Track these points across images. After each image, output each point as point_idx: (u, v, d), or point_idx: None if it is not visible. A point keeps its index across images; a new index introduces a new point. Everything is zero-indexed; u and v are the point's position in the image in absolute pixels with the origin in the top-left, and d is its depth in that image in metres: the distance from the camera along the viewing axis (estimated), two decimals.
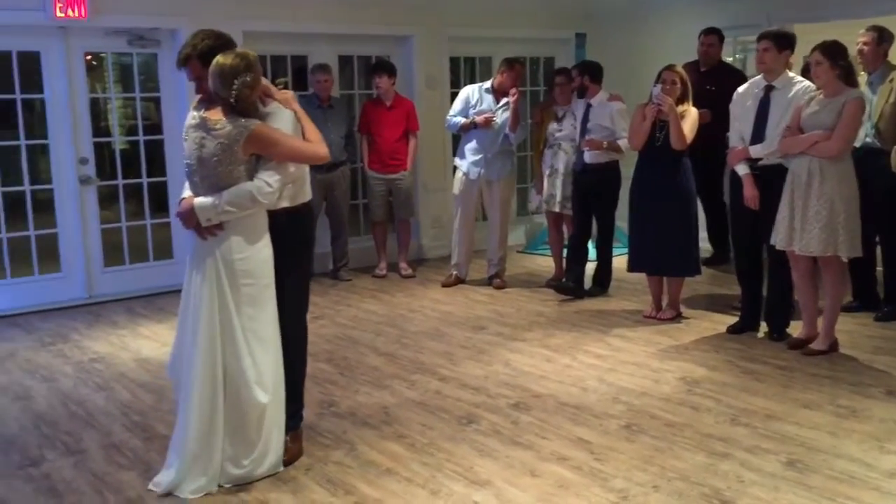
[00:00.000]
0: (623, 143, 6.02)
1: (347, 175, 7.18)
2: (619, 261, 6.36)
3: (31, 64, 6.26)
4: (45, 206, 6.45)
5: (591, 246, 6.53)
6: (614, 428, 3.90)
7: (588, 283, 6.47)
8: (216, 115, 3.28)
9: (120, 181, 6.75)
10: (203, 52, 3.32)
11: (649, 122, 5.42)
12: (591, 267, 6.52)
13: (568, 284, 6.37)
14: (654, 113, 5.39)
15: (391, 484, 3.41)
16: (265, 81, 3.41)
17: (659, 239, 5.51)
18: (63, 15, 6.03)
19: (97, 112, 6.72)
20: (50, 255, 6.48)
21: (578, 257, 6.40)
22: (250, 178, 3.29)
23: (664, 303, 5.76)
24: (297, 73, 7.41)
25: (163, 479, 3.38)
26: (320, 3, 7.15)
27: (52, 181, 6.41)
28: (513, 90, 6.50)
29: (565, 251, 6.62)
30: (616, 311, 6.01)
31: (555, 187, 6.53)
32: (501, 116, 6.58)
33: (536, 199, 6.81)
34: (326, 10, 7.18)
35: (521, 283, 6.93)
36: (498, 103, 6.61)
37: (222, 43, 3.37)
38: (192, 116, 3.36)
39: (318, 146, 3.46)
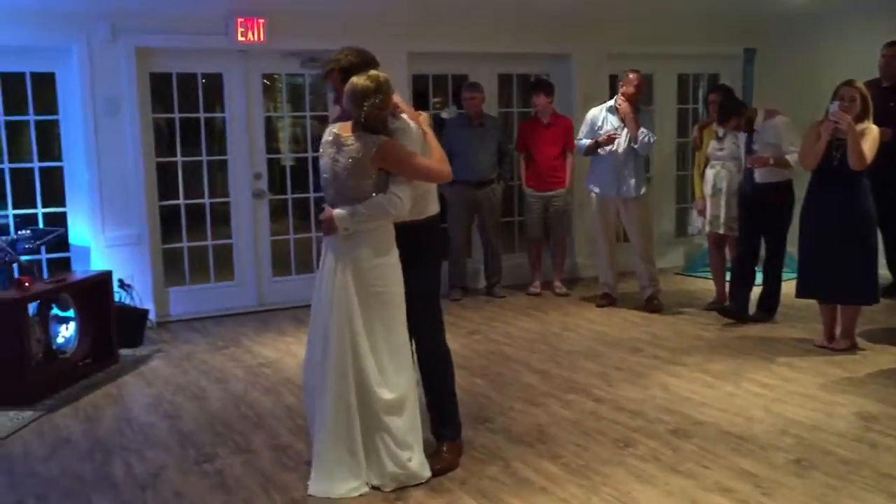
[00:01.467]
0: (792, 157, 5.72)
1: (498, 192, 7.23)
2: (787, 286, 6.04)
3: (212, 85, 6.73)
4: (221, 218, 6.89)
5: (756, 269, 6.25)
6: (782, 462, 3.70)
7: (752, 308, 6.19)
8: (347, 132, 3.46)
9: (289, 195, 7.12)
10: (344, 67, 3.51)
11: (825, 141, 5.13)
12: (755, 291, 6.23)
13: (731, 309, 6.12)
14: (829, 131, 5.10)
15: (546, 503, 3.38)
16: (397, 99, 3.54)
17: (833, 264, 5.19)
18: (244, 39, 6.46)
19: (269, 130, 7.12)
20: (225, 264, 6.91)
21: (743, 280, 6.13)
22: (378, 191, 3.43)
23: (837, 332, 5.42)
24: (457, 93, 7.55)
25: (313, 484, 3.50)
26: (482, 24, 7.26)
27: (229, 195, 6.84)
28: (620, 101, 6.41)
29: (728, 274, 6.37)
30: (783, 338, 5.71)
31: (719, 208, 6.31)
32: (625, 131, 6.47)
33: (699, 221, 6.59)
34: (488, 31, 7.29)
35: (680, 306, 6.72)
36: (622, 120, 6.52)
37: (364, 61, 3.53)
38: (328, 133, 3.54)
39: (441, 166, 3.55)
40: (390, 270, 3.50)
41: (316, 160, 7.05)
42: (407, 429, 3.50)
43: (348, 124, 3.48)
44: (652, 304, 6.64)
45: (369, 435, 3.47)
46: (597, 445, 3.94)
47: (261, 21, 6.48)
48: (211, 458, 3.93)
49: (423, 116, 3.66)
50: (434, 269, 3.78)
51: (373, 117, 3.40)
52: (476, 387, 4.85)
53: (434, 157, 3.56)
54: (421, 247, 3.63)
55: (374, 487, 3.49)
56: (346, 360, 3.42)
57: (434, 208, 3.71)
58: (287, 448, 4.03)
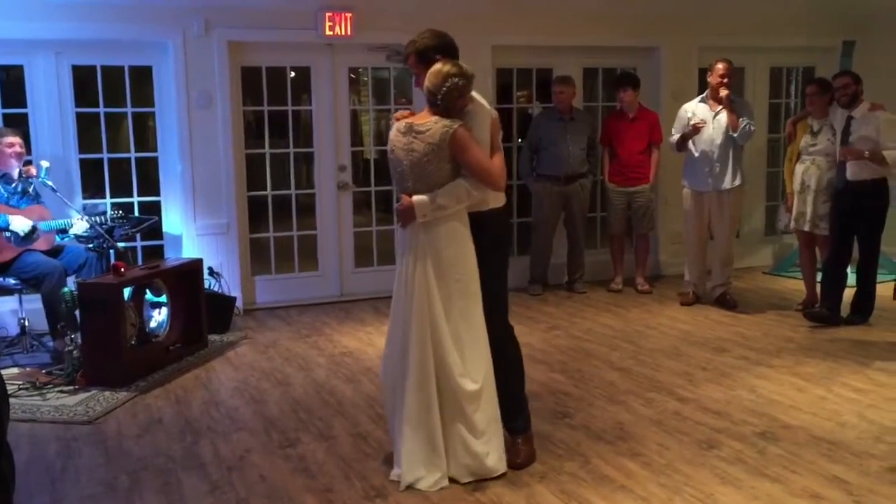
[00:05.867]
0: (890, 155, 5.48)
1: (587, 187, 7.16)
2: (883, 288, 5.81)
3: (300, 79, 6.86)
4: (306, 209, 7.02)
5: (849, 270, 6.02)
6: (876, 469, 3.56)
7: (845, 310, 5.96)
8: (421, 119, 3.46)
9: (372, 188, 7.20)
10: (420, 49, 3.51)
11: None
12: (848, 293, 6.00)
13: (821, 311, 5.91)
14: None
15: (626, 501, 3.33)
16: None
17: None
18: (332, 33, 6.56)
19: (353, 123, 7.20)
20: (309, 254, 7.04)
21: (835, 282, 5.92)
22: (457, 175, 3.42)
23: None
24: (541, 86, 7.50)
25: (396, 474, 3.54)
26: (568, 17, 7.19)
27: (315, 186, 6.96)
28: (723, 90, 6.25)
29: (818, 275, 6.16)
30: (878, 342, 5.49)
31: (805, 205, 6.08)
32: (718, 122, 6.32)
33: (786, 218, 6.39)
34: (574, 24, 7.22)
35: (769, 307, 6.54)
36: (714, 112, 6.36)
37: (441, 44, 3.52)
38: (398, 127, 3.52)
39: (500, 174, 3.48)
40: (468, 259, 3.49)
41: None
42: (487, 420, 3.49)
43: (421, 114, 3.50)
44: (726, 301, 6.53)
45: (449, 426, 3.48)
46: (679, 445, 3.87)
47: (348, 15, 6.57)
48: (294, 443, 4.01)
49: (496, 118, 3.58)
50: (496, 261, 3.63)
51: (451, 97, 3.39)
52: (555, 382, 4.82)
53: (495, 162, 3.49)
54: (485, 236, 3.54)
55: (451, 479, 3.49)
56: (427, 353, 3.43)
57: (495, 203, 3.57)
58: (367, 436, 4.08)
